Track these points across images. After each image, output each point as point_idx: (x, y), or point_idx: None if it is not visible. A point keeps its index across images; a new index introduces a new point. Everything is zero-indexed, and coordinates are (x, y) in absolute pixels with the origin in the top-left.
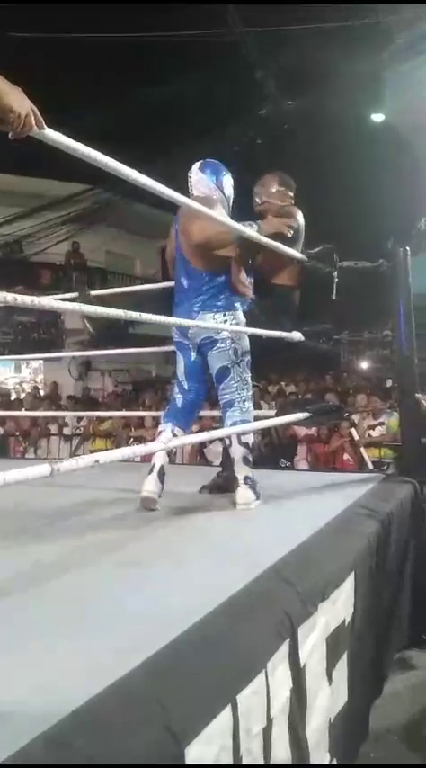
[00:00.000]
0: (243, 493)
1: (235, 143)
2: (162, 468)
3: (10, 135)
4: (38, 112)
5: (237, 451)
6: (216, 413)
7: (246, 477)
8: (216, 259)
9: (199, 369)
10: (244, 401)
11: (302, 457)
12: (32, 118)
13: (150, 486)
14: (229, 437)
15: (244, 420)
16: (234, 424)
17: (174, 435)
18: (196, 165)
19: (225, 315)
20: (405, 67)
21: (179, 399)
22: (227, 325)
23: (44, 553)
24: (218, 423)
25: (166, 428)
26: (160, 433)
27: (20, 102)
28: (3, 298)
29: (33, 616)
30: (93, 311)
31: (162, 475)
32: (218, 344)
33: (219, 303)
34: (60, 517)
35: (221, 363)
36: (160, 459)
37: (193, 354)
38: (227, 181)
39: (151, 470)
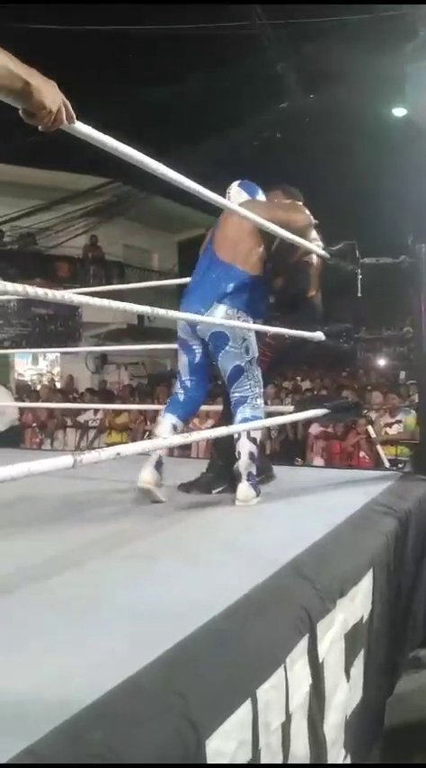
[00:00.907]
0: (243, 489)
1: (255, 137)
2: (160, 457)
3: (40, 128)
4: (69, 106)
5: (245, 446)
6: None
7: (250, 474)
8: (247, 254)
9: (202, 367)
10: (257, 398)
11: (317, 453)
12: (63, 113)
13: (147, 476)
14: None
15: (255, 416)
16: (244, 419)
17: (174, 427)
18: (235, 183)
19: (238, 312)
20: None
21: (180, 395)
22: (241, 322)
23: (55, 547)
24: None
25: (165, 420)
26: (159, 423)
27: (52, 98)
28: (25, 290)
29: (46, 611)
30: (114, 306)
31: (159, 465)
32: (230, 344)
33: (234, 298)
34: (71, 510)
35: (234, 363)
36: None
37: (198, 354)
38: (262, 198)
39: (148, 460)
